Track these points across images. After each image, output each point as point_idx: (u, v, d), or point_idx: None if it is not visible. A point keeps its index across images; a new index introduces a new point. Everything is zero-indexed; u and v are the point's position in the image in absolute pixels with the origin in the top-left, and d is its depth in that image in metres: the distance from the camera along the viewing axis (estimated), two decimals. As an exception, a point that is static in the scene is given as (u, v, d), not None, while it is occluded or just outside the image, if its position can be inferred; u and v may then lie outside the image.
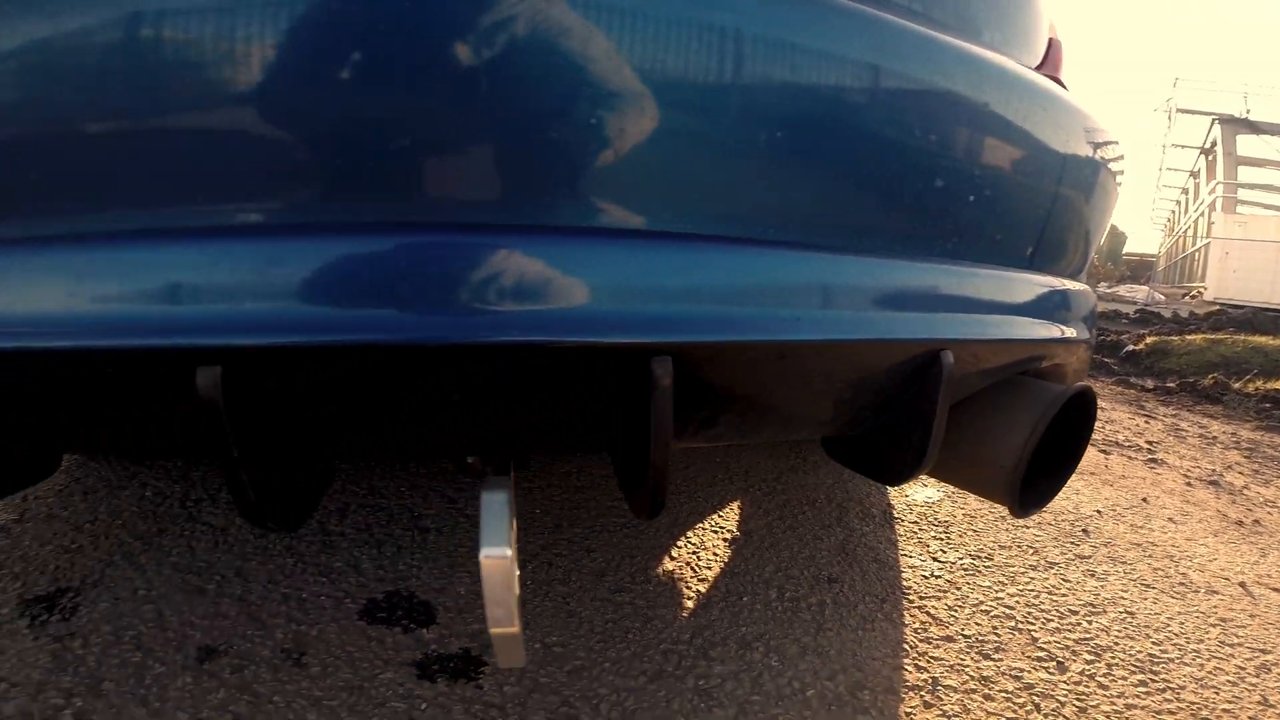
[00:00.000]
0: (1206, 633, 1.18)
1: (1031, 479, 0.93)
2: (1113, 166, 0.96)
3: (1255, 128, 16.09)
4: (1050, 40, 0.99)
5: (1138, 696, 0.99)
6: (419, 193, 0.50)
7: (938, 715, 0.92)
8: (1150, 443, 2.51)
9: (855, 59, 0.62)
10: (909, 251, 0.73)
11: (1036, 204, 0.84)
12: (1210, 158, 16.74)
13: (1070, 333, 0.96)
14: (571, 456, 1.56)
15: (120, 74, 0.45)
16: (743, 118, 0.57)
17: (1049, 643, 1.10)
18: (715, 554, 1.26)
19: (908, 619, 1.13)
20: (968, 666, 1.02)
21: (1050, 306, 0.92)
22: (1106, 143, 0.93)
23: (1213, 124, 16.59)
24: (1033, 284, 0.89)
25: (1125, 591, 1.30)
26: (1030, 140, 0.79)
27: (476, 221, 0.52)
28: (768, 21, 0.57)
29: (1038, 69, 0.93)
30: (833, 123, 0.62)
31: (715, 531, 1.35)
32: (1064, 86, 0.97)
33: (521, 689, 0.87)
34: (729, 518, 1.42)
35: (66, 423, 0.61)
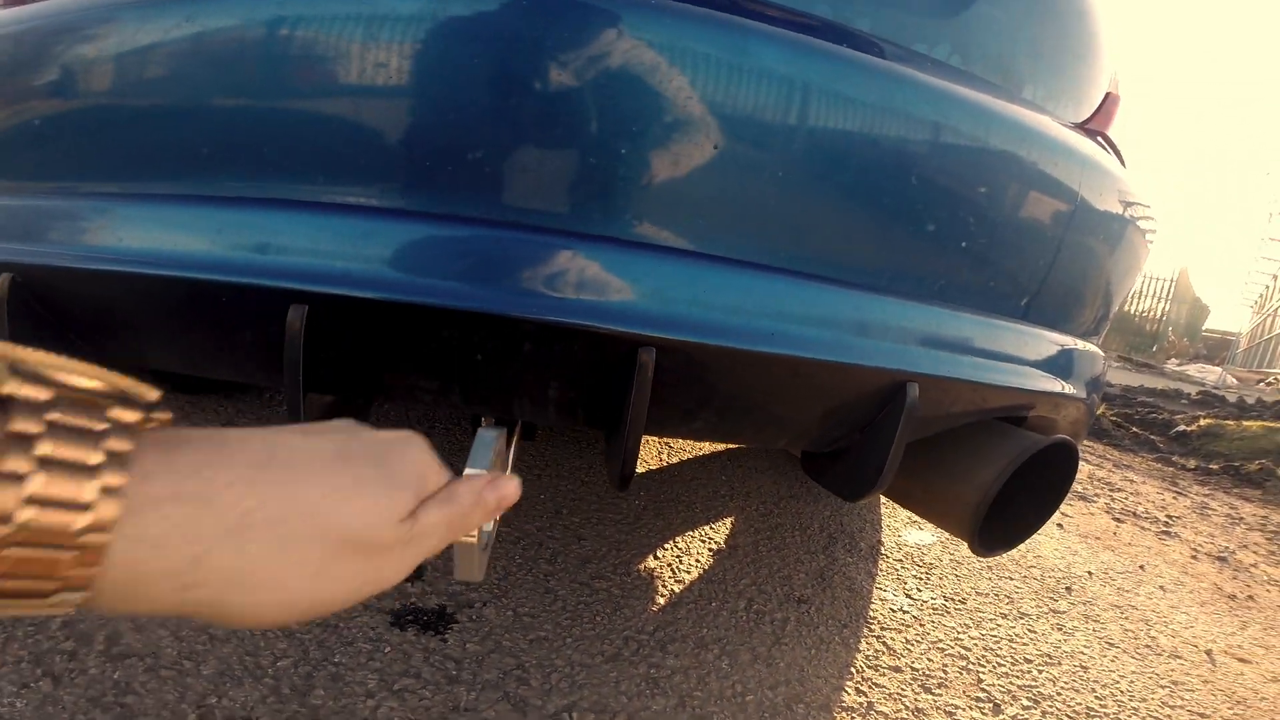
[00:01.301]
0: (1153, 693, 1.19)
1: (999, 520, 0.96)
2: (1140, 227, 0.97)
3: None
4: (1108, 94, 1.00)
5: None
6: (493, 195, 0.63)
7: (868, 740, 0.96)
8: (1170, 517, 2.45)
9: (862, 108, 0.69)
10: (889, 286, 0.78)
11: (1034, 257, 0.86)
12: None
13: (1062, 389, 0.97)
14: (570, 426, 1.63)
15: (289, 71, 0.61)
16: (754, 163, 0.66)
17: (992, 685, 1.13)
18: (697, 560, 1.32)
19: (863, 646, 1.17)
20: (906, 697, 1.06)
21: (1040, 359, 0.93)
22: (1132, 203, 0.94)
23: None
24: (1022, 334, 0.91)
25: (1087, 648, 1.31)
26: (1033, 192, 0.82)
27: (525, 223, 0.64)
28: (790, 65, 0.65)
29: (1086, 123, 0.96)
30: (837, 170, 0.70)
31: (703, 541, 1.41)
32: (1108, 140, 1.00)
33: (482, 648, 0.94)
34: (719, 531, 1.47)
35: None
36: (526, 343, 0.66)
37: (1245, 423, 4.40)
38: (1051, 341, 0.95)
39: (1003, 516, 0.97)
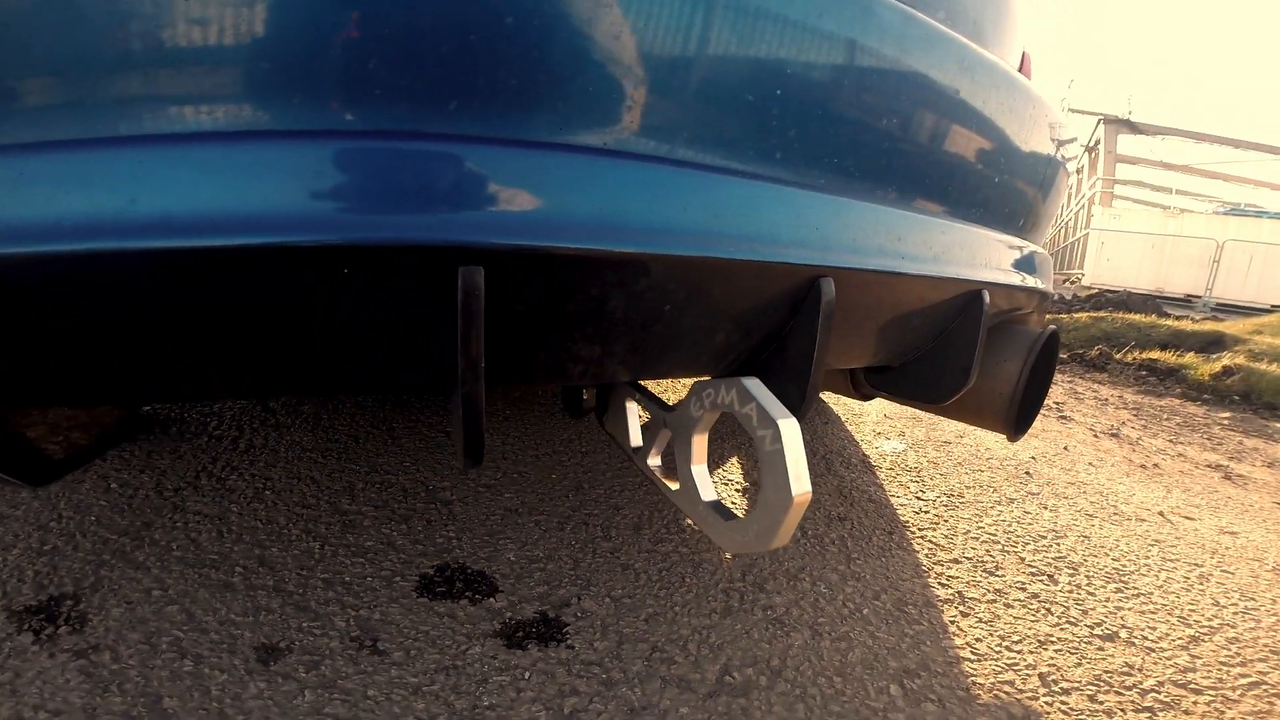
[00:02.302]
0: (1149, 551, 1.35)
1: (1020, 406, 1.07)
2: (1070, 155, 1.12)
3: (1135, 128, 17.85)
4: (1024, 54, 1.14)
5: (1120, 601, 1.13)
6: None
7: (975, 621, 1.00)
8: (1056, 403, 2.79)
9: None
10: (955, 213, 0.87)
11: (1032, 185, 1.00)
12: (1093, 155, 18.36)
13: (1045, 286, 1.14)
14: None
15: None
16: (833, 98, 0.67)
17: (1034, 561, 1.23)
18: (732, 503, 1.30)
19: (916, 546, 1.22)
20: (980, 583, 1.12)
21: (1034, 264, 1.09)
22: (1071, 140, 1.09)
23: (1098, 124, 18.21)
24: (1026, 247, 1.06)
25: (1075, 521, 1.46)
26: (1030, 136, 0.94)
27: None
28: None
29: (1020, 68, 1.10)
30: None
31: (723, 484, 1.39)
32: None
33: (610, 642, 0.86)
34: (733, 471, 1.46)
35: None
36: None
37: (1075, 315, 5.12)
38: (1037, 251, 1.12)
39: (1021, 402, 1.08)
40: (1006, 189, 0.93)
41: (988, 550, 1.24)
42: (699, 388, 0.74)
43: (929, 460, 1.72)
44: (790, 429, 0.62)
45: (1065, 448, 2.09)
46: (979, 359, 0.93)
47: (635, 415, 0.97)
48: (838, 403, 2.14)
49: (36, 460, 0.61)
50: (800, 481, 0.62)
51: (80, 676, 0.74)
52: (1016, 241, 1.03)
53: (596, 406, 1.07)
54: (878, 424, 2.01)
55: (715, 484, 1.04)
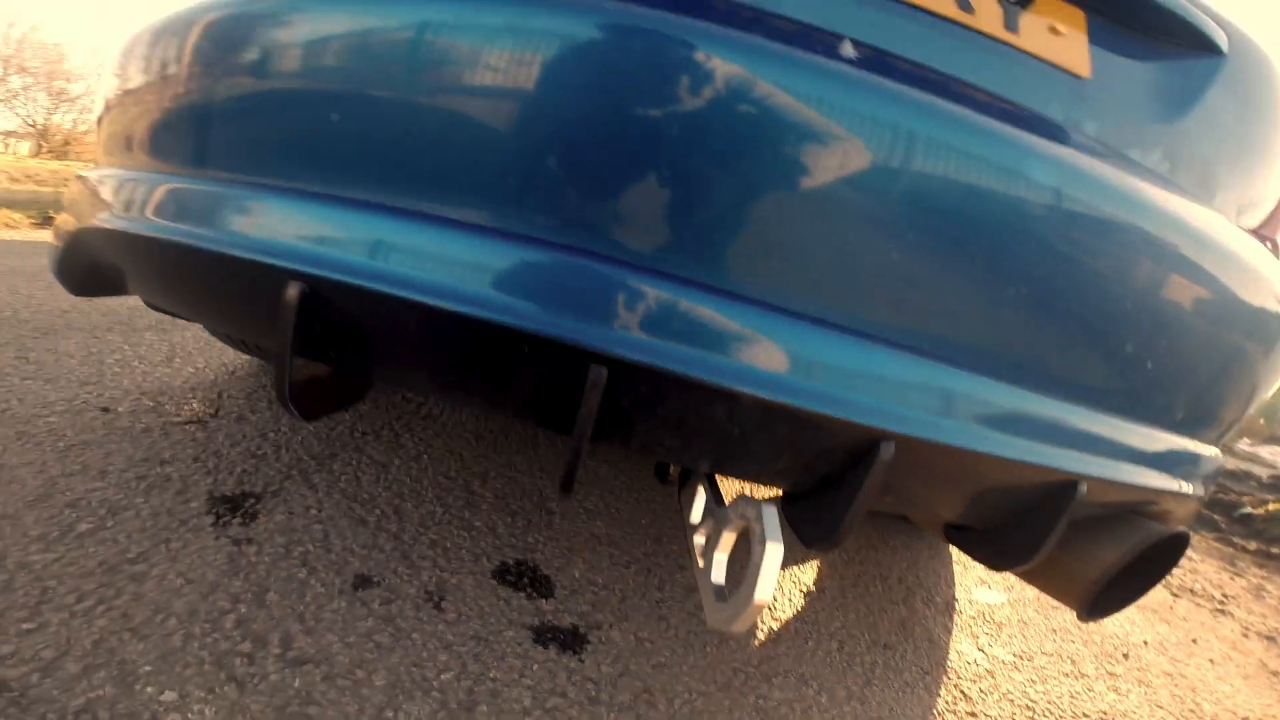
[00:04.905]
0: None
1: (1107, 591, 1.02)
2: None
3: None
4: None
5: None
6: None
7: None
8: (1226, 596, 2.46)
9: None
10: (1066, 391, 0.83)
11: (1203, 374, 0.91)
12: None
13: (1189, 489, 1.01)
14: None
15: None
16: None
17: (1057, 738, 1.20)
18: (790, 601, 1.38)
19: (943, 693, 1.24)
20: (987, 745, 1.12)
21: (1179, 463, 0.98)
22: None
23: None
24: (1171, 442, 0.95)
25: (1138, 708, 1.38)
26: (1217, 309, 0.86)
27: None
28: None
29: (1260, 227, 0.98)
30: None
31: (794, 582, 1.47)
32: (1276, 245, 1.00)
33: (614, 670, 1.01)
34: (807, 574, 1.54)
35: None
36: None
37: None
38: (1190, 450, 0.99)
39: (1110, 588, 1.03)
40: (1161, 379, 0.86)
41: (1014, 715, 1.23)
42: (741, 499, 0.88)
43: (1021, 619, 1.66)
44: (774, 552, 0.73)
45: (1194, 640, 1.87)
46: (1050, 545, 0.92)
47: (700, 498, 1.12)
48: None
49: (317, 402, 0.87)
50: (764, 591, 0.74)
51: (223, 558, 1.01)
52: (1160, 436, 0.94)
53: (679, 480, 1.23)
54: (989, 571, 1.94)
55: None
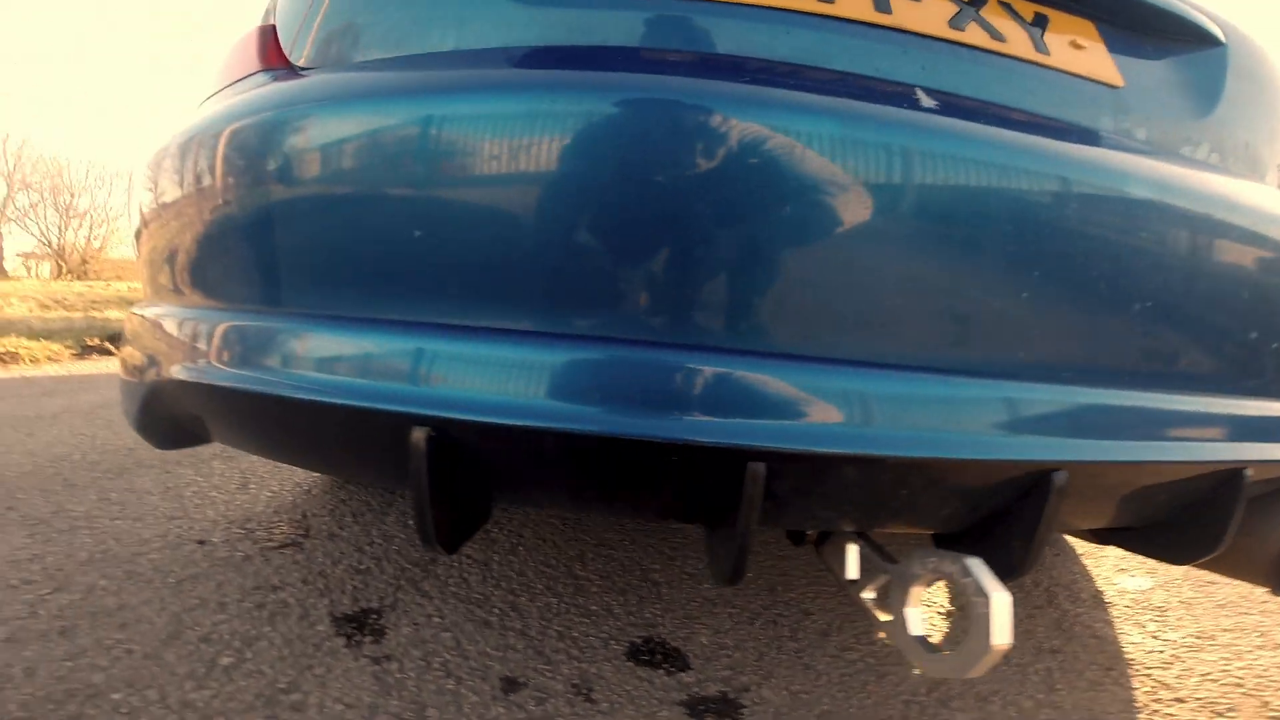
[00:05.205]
0: None
1: None
2: None
3: None
4: None
5: None
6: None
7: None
8: None
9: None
10: (1209, 386, 0.83)
11: None
12: None
13: None
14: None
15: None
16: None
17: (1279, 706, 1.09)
18: (933, 625, 1.30)
19: (1135, 684, 1.14)
20: (1203, 725, 1.03)
21: None
22: None
23: None
24: None
25: None
26: None
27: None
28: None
29: None
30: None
31: (926, 604, 1.39)
32: None
33: (780, 732, 0.95)
34: (937, 593, 1.45)
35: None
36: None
37: None
38: None
39: None
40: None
41: (1225, 694, 1.12)
42: (925, 554, 0.83)
43: (1181, 600, 1.54)
44: (1002, 602, 0.68)
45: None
46: (1233, 532, 0.88)
47: (855, 554, 1.06)
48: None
49: (455, 533, 0.86)
50: (1002, 635, 0.68)
51: (369, 679, 0.98)
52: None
53: (817, 540, 1.17)
54: (1123, 558, 1.83)
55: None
